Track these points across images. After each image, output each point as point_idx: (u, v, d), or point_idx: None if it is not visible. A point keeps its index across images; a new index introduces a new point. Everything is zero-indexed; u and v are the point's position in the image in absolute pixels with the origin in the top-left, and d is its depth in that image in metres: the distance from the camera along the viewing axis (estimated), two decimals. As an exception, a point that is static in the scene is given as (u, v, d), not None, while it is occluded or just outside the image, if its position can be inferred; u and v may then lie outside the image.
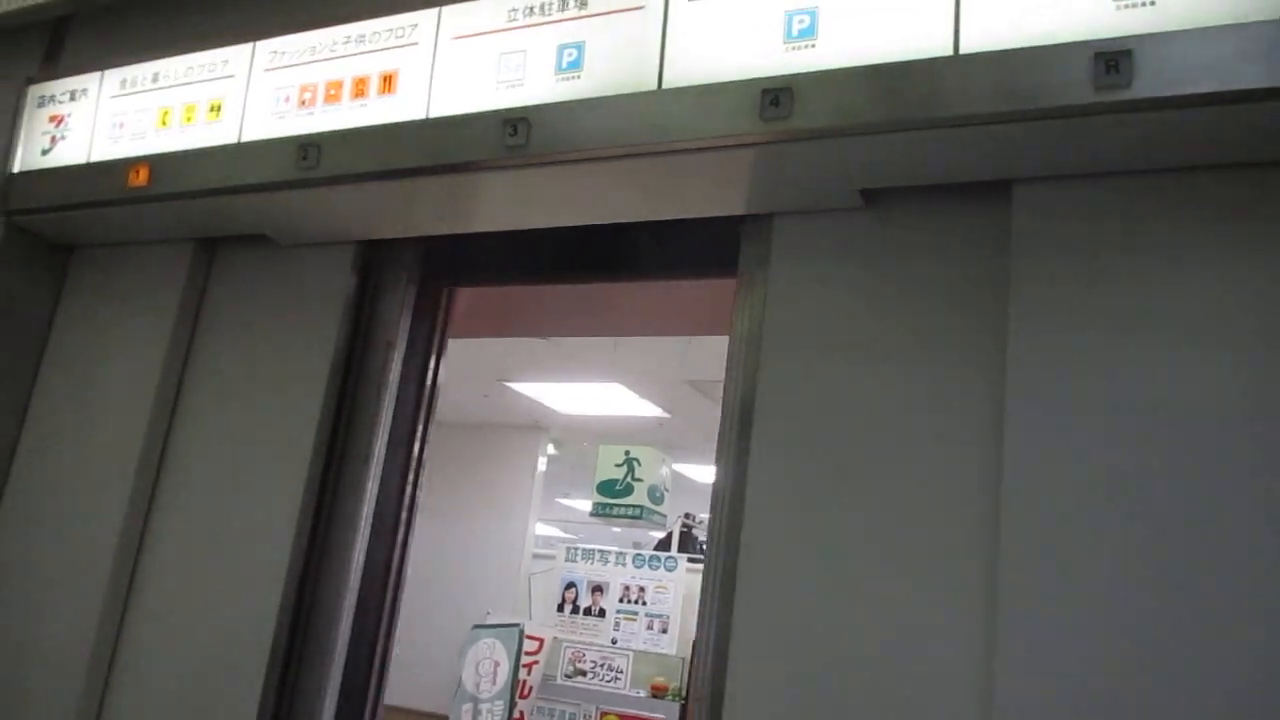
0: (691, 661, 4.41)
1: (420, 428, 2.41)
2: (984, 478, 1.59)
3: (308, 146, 2.10)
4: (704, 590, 1.84)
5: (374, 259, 2.41)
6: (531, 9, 1.93)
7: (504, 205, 2.13)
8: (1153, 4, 1.44)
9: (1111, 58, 1.43)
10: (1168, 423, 1.49)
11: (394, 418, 2.35)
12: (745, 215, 1.95)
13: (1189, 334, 1.51)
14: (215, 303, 2.52)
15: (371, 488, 2.29)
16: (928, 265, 1.75)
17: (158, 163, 2.31)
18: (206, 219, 2.41)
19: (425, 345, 2.43)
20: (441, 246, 2.40)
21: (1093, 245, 1.60)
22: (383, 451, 2.32)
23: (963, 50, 1.55)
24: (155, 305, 2.51)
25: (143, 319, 2.52)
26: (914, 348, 1.72)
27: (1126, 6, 1.45)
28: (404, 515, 2.38)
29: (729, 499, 1.82)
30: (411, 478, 2.40)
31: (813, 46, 1.65)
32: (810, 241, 1.87)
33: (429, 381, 2.43)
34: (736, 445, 1.83)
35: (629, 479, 6.38)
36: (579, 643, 5.27)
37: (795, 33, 1.67)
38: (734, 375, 1.89)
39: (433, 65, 2.02)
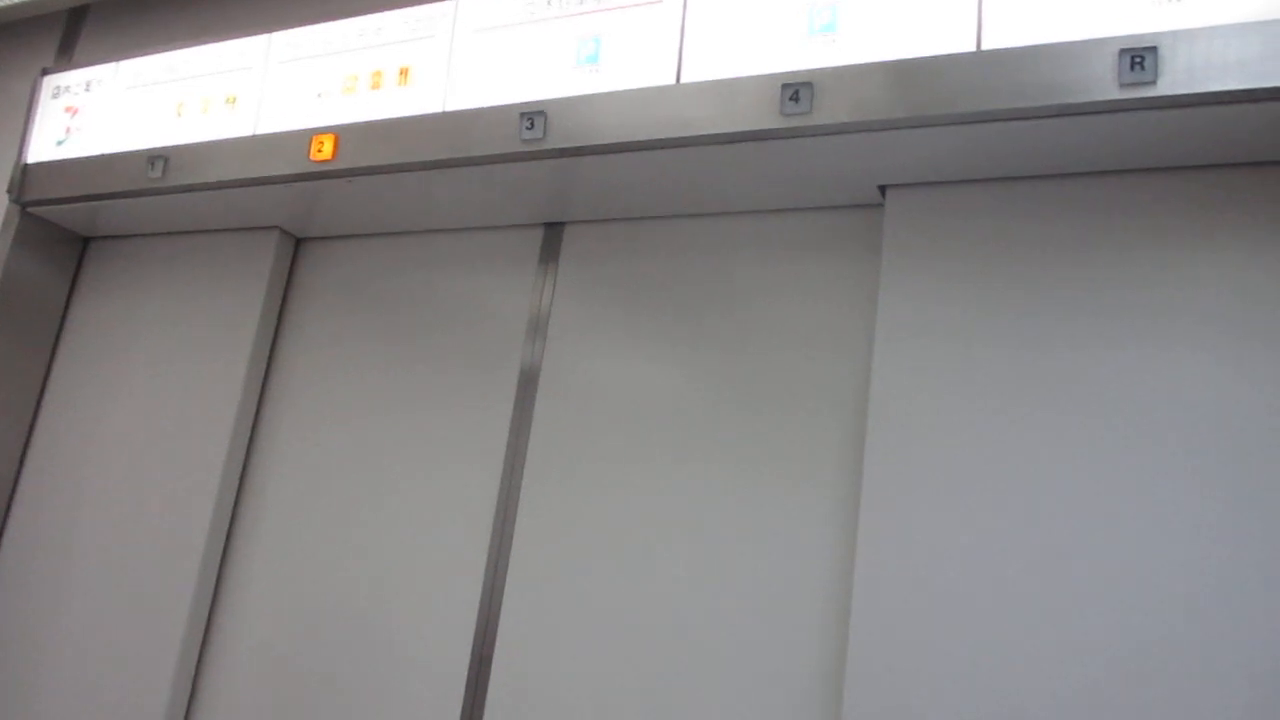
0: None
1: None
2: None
3: (323, 139, 2.09)
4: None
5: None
6: (549, 1, 1.92)
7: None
8: (1179, 0, 1.42)
9: (1137, 54, 1.42)
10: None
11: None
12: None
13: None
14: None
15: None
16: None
17: (173, 155, 2.31)
18: (220, 211, 2.41)
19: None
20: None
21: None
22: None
23: (985, 46, 1.53)
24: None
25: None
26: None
27: (1153, 2, 1.44)
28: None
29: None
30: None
31: (833, 41, 1.64)
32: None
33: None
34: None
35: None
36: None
37: (816, 27, 1.66)
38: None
39: (450, 58, 2.01)
